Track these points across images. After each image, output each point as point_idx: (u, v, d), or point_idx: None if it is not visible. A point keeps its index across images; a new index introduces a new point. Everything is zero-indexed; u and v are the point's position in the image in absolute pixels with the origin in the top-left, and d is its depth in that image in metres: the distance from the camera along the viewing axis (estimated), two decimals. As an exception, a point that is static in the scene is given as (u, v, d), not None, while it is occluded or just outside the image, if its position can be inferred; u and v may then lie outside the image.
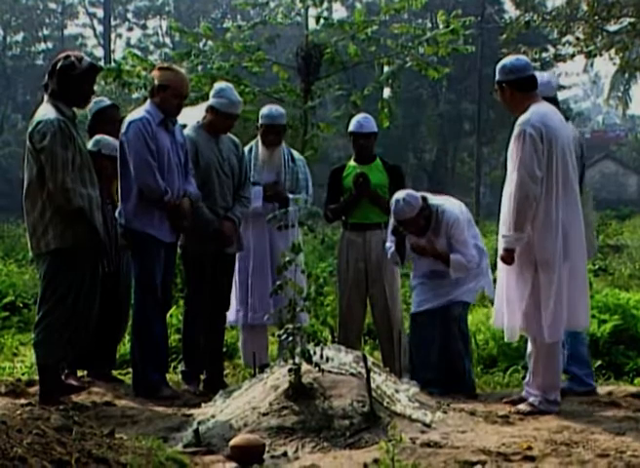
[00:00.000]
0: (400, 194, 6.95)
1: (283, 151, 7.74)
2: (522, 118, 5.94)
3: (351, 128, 7.80)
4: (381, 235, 7.60)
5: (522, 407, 5.99)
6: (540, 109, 5.99)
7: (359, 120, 7.80)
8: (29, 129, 6.10)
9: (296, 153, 7.97)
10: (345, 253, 7.74)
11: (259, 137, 7.71)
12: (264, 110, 7.74)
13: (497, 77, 6.14)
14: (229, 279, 7.30)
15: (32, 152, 6.05)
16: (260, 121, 7.68)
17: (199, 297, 6.97)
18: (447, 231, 6.91)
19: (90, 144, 7.11)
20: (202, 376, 7.08)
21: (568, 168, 5.98)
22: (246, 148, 7.67)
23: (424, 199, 6.99)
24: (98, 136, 7.26)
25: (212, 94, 7.12)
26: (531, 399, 6.03)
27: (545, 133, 5.86)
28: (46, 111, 6.08)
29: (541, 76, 6.54)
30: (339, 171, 7.90)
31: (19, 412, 4.43)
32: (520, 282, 5.98)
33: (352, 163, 7.86)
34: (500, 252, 5.97)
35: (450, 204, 7.10)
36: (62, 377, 6.59)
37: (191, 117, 7.23)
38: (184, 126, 7.08)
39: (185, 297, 7.10)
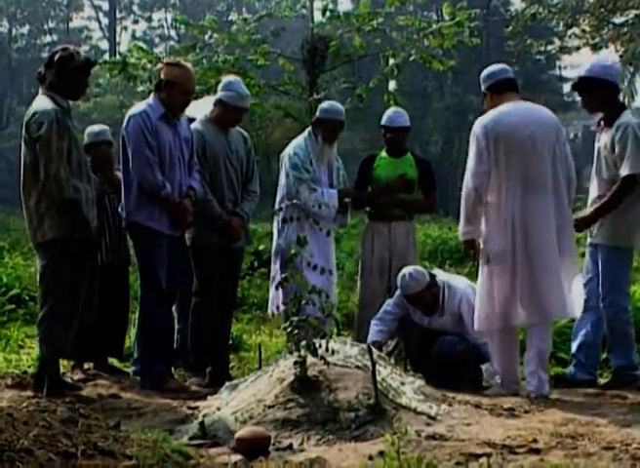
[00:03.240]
0: (408, 269, 7.03)
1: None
2: (479, 118, 6.34)
3: (383, 121, 7.96)
4: (406, 226, 7.83)
5: (489, 391, 6.37)
6: (501, 108, 6.29)
7: (390, 114, 7.98)
8: (25, 119, 6.14)
9: None
10: (370, 243, 7.85)
11: (310, 133, 7.71)
12: (326, 105, 7.78)
13: (482, 89, 6.52)
14: (237, 272, 7.33)
15: (28, 142, 6.08)
16: (319, 115, 7.68)
17: (208, 290, 6.98)
18: (454, 308, 6.90)
19: (86, 138, 7.28)
20: (207, 369, 7.09)
21: (531, 163, 6.17)
22: (294, 143, 7.67)
23: (432, 276, 7.02)
24: (90, 129, 7.38)
25: (220, 87, 7.13)
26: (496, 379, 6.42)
27: (492, 130, 6.16)
28: (42, 102, 6.12)
29: (605, 59, 6.65)
30: (370, 160, 8.05)
31: (25, 405, 4.44)
32: (481, 273, 6.36)
33: (384, 154, 8.01)
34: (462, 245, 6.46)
35: (458, 280, 7.14)
36: (70, 370, 6.62)
37: (200, 110, 7.24)
38: (193, 119, 7.10)
39: (194, 290, 7.10)
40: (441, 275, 7.19)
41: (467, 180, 6.24)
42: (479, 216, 6.26)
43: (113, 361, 7.57)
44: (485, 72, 6.50)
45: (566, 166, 6.36)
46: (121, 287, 7.36)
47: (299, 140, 7.74)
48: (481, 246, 6.33)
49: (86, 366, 7.23)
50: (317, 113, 7.75)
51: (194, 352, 7.06)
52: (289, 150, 7.68)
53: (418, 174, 7.92)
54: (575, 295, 6.34)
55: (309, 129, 7.76)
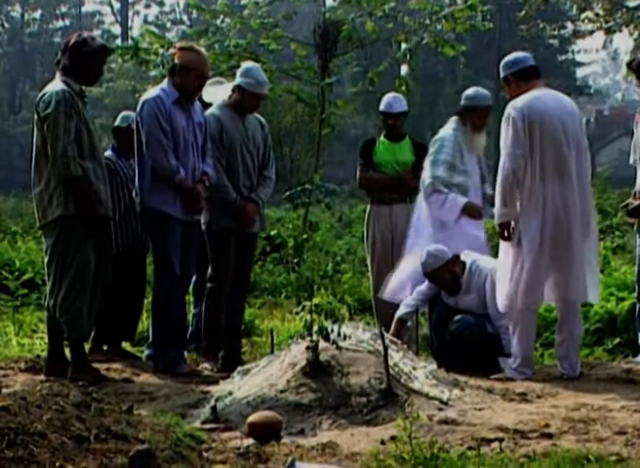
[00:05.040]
0: (429, 247, 7.10)
1: None
2: (512, 102, 6.31)
3: (381, 107, 8.01)
4: (407, 208, 7.82)
5: (501, 374, 6.36)
6: (533, 93, 6.32)
7: (389, 100, 8.00)
8: (36, 100, 6.26)
9: None
10: (373, 226, 7.92)
11: (458, 123, 7.56)
12: (473, 92, 7.64)
13: (502, 74, 6.51)
14: (251, 257, 7.35)
15: (37, 122, 6.19)
16: (468, 103, 7.53)
17: (222, 275, 6.99)
18: (480, 287, 6.88)
19: (118, 120, 7.35)
20: (220, 353, 7.10)
21: (561, 149, 6.25)
22: (442, 134, 7.51)
23: (456, 256, 7.04)
24: (125, 113, 7.41)
25: (239, 73, 7.13)
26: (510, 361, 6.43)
27: (528, 114, 6.20)
28: (54, 84, 6.24)
29: None
30: (371, 143, 8.11)
31: (38, 388, 4.46)
32: (507, 254, 6.41)
33: (383, 139, 8.05)
34: (497, 228, 6.44)
35: (487, 260, 7.12)
36: (87, 352, 6.68)
37: (218, 96, 7.25)
38: (210, 104, 7.11)
39: (208, 275, 7.11)
40: (470, 255, 7.19)
41: (505, 163, 6.24)
42: (515, 199, 6.31)
43: (126, 345, 7.58)
44: (509, 59, 6.52)
45: (586, 154, 6.46)
46: (138, 272, 7.38)
47: (448, 132, 7.54)
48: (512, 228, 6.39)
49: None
50: (463, 101, 7.54)
51: (207, 336, 7.07)
52: (437, 141, 7.50)
53: (414, 158, 7.95)
54: (594, 281, 6.46)
55: (455, 119, 7.58)
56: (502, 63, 6.53)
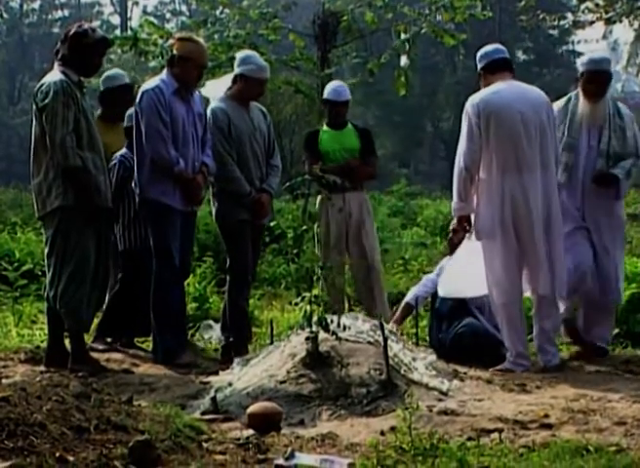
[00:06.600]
0: None
1: (607, 104, 6.84)
2: (471, 97, 6.41)
3: (327, 96, 7.98)
4: (359, 197, 7.91)
5: (500, 366, 6.33)
6: (493, 87, 6.39)
7: (336, 88, 7.98)
8: (34, 90, 6.27)
9: (623, 107, 7.01)
10: (326, 216, 7.88)
11: (579, 89, 6.87)
12: (586, 57, 7.13)
13: (477, 69, 6.61)
14: (259, 248, 7.38)
15: (36, 113, 6.18)
16: (583, 68, 6.84)
17: (245, 264, 6.98)
18: None
19: (126, 120, 7.14)
20: (220, 343, 7.10)
21: (520, 141, 6.27)
22: (561, 102, 6.92)
23: None
24: (131, 111, 7.37)
25: (238, 62, 7.10)
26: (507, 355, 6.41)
27: (483, 108, 6.28)
28: (52, 74, 6.24)
29: None
30: (314, 134, 8.11)
31: (38, 379, 4.46)
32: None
33: (326, 128, 8.06)
34: (455, 221, 6.62)
35: None
36: (90, 342, 6.70)
37: (214, 90, 7.23)
38: (207, 100, 7.10)
39: (229, 266, 7.08)
40: None
41: (459, 158, 6.35)
42: (471, 194, 6.40)
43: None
44: (479, 52, 6.61)
45: (554, 145, 6.47)
46: (150, 267, 7.37)
47: (560, 102, 6.92)
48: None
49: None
50: (581, 68, 6.90)
51: (235, 328, 7.00)
52: None
53: (359, 143, 7.96)
54: (562, 273, 6.44)
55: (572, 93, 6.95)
56: (476, 57, 6.62)
